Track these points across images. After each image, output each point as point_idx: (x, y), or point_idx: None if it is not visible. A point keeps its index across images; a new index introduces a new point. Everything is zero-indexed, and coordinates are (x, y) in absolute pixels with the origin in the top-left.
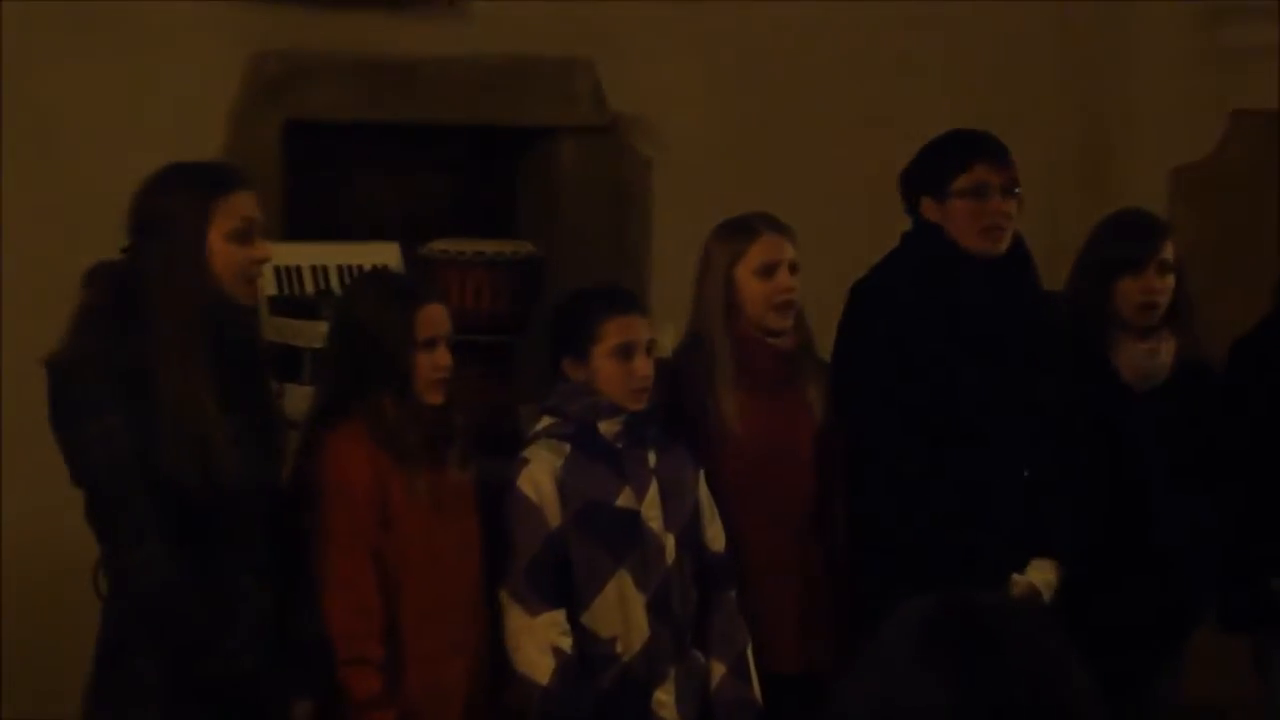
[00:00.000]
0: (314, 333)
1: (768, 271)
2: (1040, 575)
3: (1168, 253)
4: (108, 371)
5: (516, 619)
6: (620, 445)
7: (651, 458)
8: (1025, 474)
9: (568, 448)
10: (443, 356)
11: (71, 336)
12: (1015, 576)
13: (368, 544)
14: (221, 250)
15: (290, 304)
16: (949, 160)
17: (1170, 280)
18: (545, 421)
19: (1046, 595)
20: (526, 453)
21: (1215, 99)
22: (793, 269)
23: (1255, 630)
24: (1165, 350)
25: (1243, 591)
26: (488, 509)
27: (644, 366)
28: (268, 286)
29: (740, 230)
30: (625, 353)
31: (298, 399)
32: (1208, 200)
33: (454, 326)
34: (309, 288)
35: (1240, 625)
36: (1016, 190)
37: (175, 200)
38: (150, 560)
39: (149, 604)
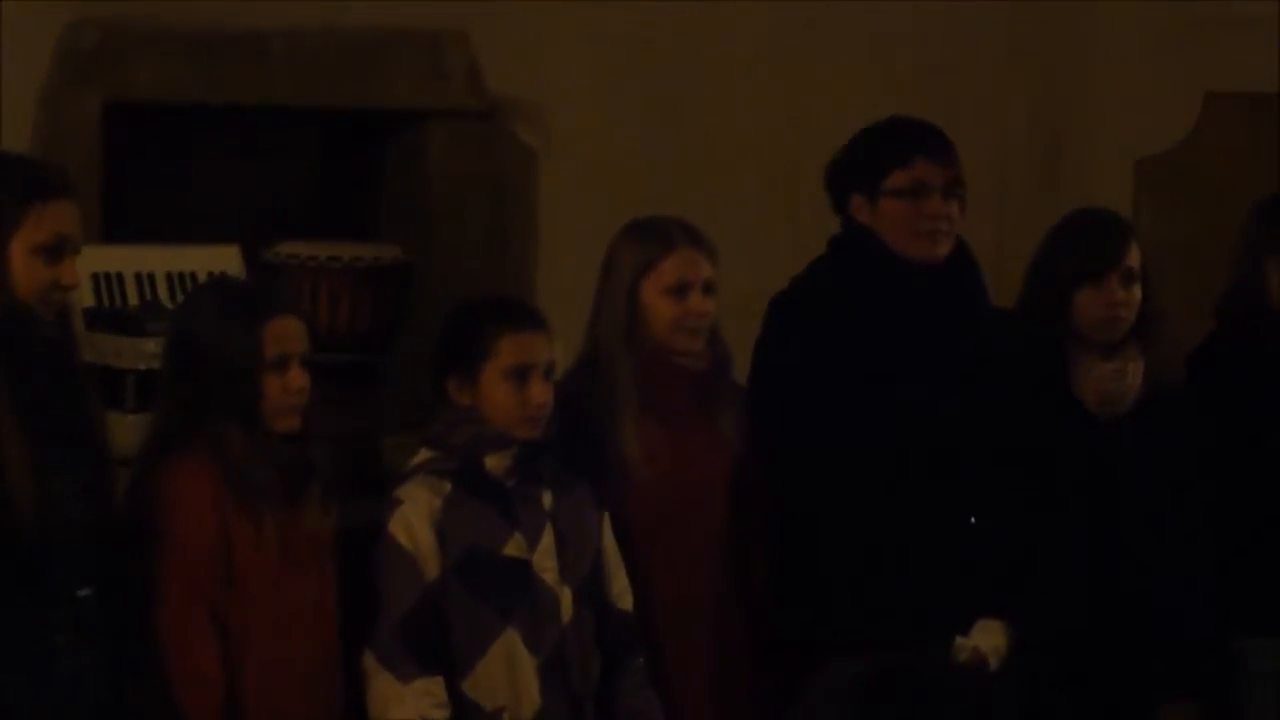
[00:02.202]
0: (138, 352)
1: (679, 291)
2: (987, 639)
3: (1133, 258)
4: None
5: (384, 686)
6: (510, 483)
7: (547, 498)
8: (972, 519)
9: (448, 486)
10: (297, 377)
11: None
12: (959, 640)
13: (206, 600)
14: (23, 264)
15: (110, 318)
16: (883, 154)
17: (1137, 290)
18: (424, 455)
19: (994, 662)
20: (400, 492)
21: (1186, 79)
22: (708, 289)
23: (1211, 698)
24: (1133, 370)
25: (1203, 653)
26: (347, 560)
27: (541, 392)
28: (84, 297)
29: (652, 238)
30: (520, 375)
31: (119, 429)
32: (1178, 196)
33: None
34: (133, 299)
35: (1197, 691)
36: (960, 191)
37: None
38: None
39: None
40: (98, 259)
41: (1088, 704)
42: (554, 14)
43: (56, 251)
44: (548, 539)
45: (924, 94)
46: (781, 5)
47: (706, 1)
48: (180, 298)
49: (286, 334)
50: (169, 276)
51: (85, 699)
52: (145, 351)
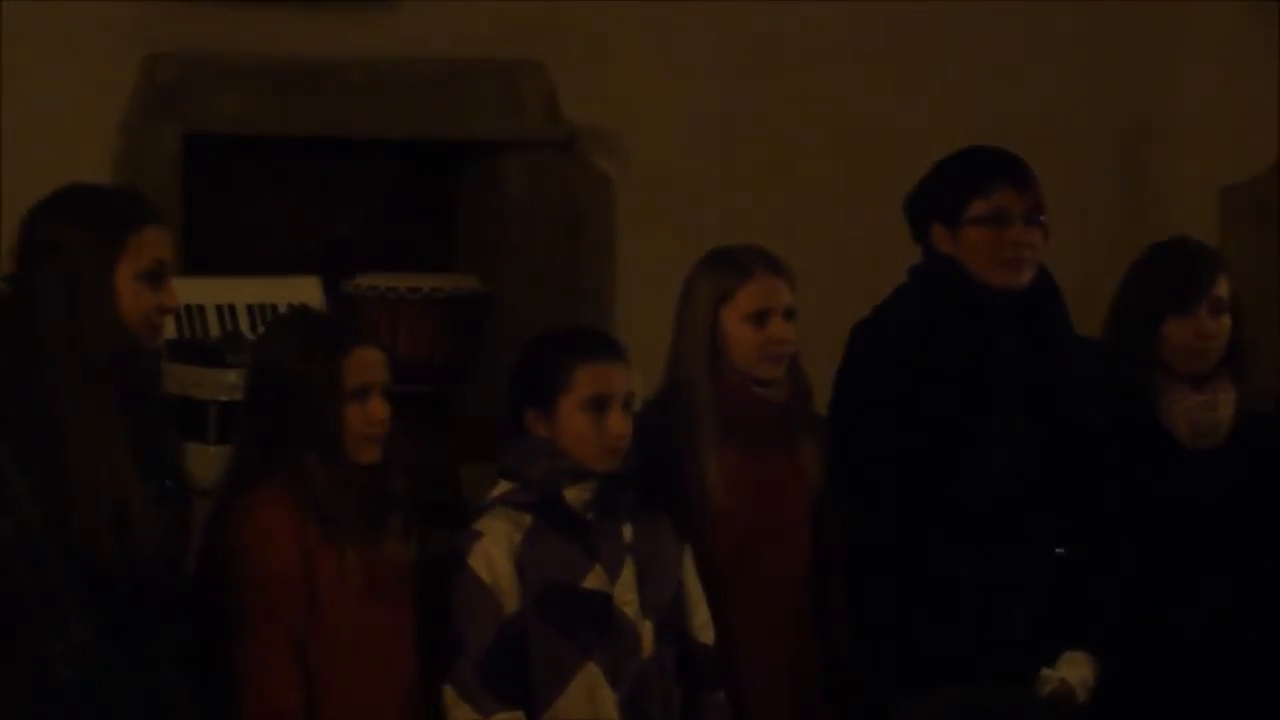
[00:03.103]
0: (219, 383)
1: (759, 319)
2: (1074, 671)
3: (1222, 288)
4: (3, 430)
5: None
6: (590, 516)
7: (627, 531)
8: (1059, 551)
9: (528, 519)
10: (378, 408)
11: None
12: (1045, 672)
13: (288, 631)
14: (129, 291)
15: (192, 349)
16: (964, 183)
17: (1226, 321)
18: (502, 487)
19: (1082, 695)
20: (479, 524)
21: (1273, 105)
22: (789, 316)
23: None
24: (1224, 402)
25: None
26: (426, 590)
27: (620, 423)
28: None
29: (731, 266)
30: (598, 405)
31: (200, 460)
32: (1265, 224)
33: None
34: (214, 330)
35: None
36: (1042, 218)
37: (79, 230)
38: (77, 652)
39: (71, 706)
40: (179, 290)
41: None
42: (631, 42)
43: (158, 276)
44: (628, 572)
45: (1005, 122)
46: (862, 29)
47: (784, 26)
48: (261, 329)
49: (368, 364)
50: (250, 308)
51: None
52: (226, 383)
